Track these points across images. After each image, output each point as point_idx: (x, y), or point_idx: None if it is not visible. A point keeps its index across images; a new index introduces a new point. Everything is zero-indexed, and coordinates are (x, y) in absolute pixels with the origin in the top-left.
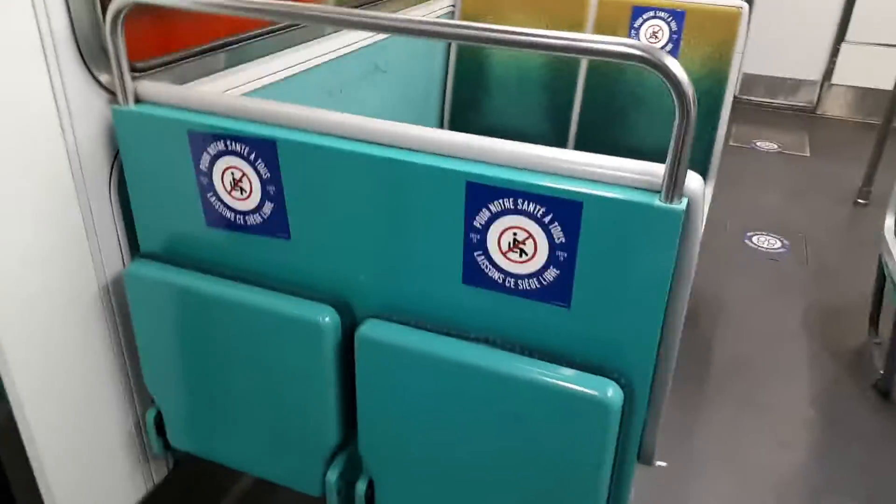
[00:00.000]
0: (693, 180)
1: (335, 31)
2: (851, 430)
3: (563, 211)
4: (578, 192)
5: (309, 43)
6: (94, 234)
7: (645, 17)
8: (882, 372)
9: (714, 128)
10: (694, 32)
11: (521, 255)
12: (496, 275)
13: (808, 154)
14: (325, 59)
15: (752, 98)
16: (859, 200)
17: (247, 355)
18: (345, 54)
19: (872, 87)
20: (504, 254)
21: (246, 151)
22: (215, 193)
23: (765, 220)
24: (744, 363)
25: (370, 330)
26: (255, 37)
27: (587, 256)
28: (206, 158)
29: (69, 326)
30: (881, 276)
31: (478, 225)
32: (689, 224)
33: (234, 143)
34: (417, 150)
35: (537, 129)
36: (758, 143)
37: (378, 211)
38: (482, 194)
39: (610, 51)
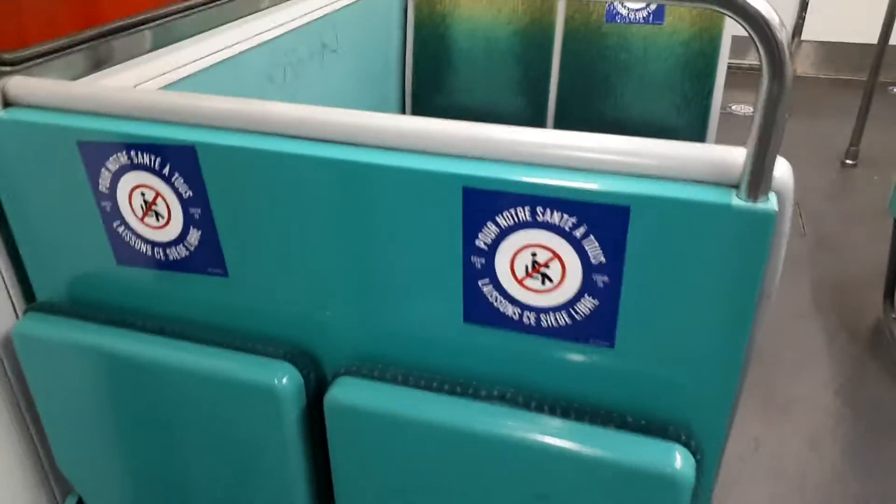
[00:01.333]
0: (782, 168)
1: (273, 5)
2: (883, 423)
3: (602, 220)
4: (623, 194)
5: (242, 20)
6: None
7: None
8: None
9: (710, 92)
10: None
11: (543, 283)
12: (510, 309)
13: (785, 115)
14: (263, 38)
15: None
16: (847, 161)
17: (184, 428)
18: (286, 32)
19: (843, 41)
20: (520, 281)
21: (157, 164)
22: (123, 222)
23: None
24: (760, 351)
25: (343, 391)
26: (171, 14)
27: (636, 279)
28: (105, 176)
29: None
30: None
31: (482, 244)
32: (779, 229)
33: (139, 154)
34: (391, 148)
35: (511, 107)
36: (733, 107)
37: (343, 233)
38: (486, 203)
39: None
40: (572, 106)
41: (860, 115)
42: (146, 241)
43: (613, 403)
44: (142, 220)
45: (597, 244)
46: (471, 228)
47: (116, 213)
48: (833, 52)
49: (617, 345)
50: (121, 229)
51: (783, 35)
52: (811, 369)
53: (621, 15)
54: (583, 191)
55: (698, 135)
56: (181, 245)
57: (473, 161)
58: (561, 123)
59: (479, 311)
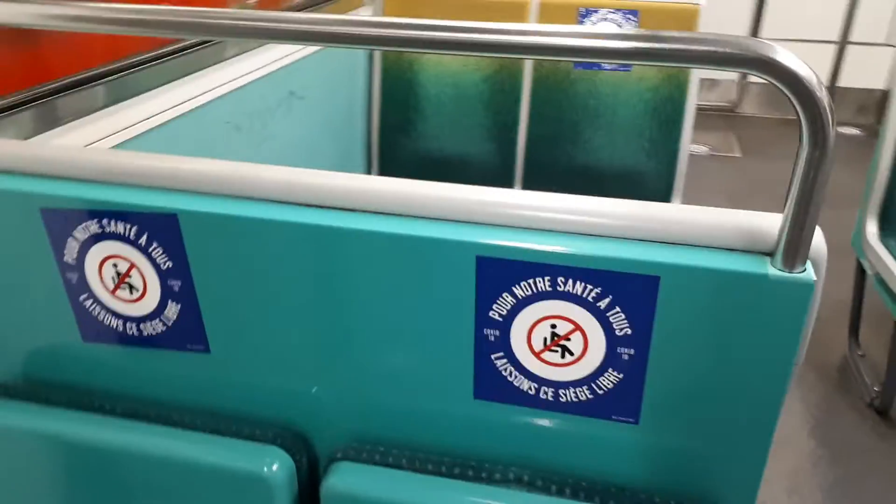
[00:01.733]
0: (816, 236)
1: (240, 53)
2: (861, 463)
3: (629, 291)
4: (653, 263)
5: (208, 69)
6: None
7: (593, 19)
8: (877, 389)
9: (678, 137)
10: None
11: (563, 356)
12: (525, 384)
13: (739, 155)
14: (230, 87)
15: None
16: None
17: None
18: (253, 80)
19: None
20: (538, 354)
21: (133, 233)
22: (91, 295)
23: None
24: None
25: (341, 479)
26: (132, 67)
27: (664, 351)
28: (72, 246)
29: None
30: (859, 286)
31: (497, 316)
32: (815, 298)
33: (112, 222)
34: (396, 214)
35: (480, 154)
36: (691, 147)
37: (339, 305)
38: (502, 273)
39: (700, 52)
40: (541, 152)
41: None
42: (118, 315)
43: (639, 483)
44: (113, 293)
45: (623, 316)
46: (485, 299)
47: (84, 285)
48: (781, 92)
49: (642, 421)
50: (88, 303)
51: (825, 97)
52: (783, 411)
53: (589, 61)
54: (608, 259)
55: (667, 179)
56: (157, 320)
57: (488, 227)
58: (530, 169)
59: (491, 386)
